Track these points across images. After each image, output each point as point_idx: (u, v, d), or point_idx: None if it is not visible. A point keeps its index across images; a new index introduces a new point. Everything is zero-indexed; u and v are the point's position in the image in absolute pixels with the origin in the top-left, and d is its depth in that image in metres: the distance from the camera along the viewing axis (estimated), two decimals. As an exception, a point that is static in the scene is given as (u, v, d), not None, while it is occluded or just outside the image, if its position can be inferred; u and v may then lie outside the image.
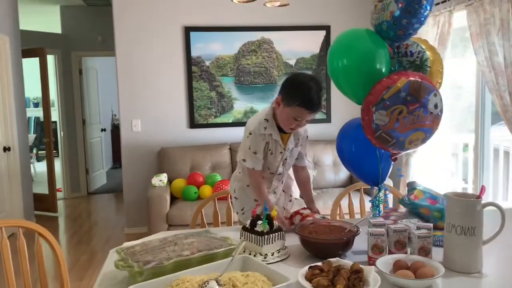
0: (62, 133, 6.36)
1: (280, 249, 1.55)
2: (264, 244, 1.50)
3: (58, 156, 6.48)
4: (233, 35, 4.71)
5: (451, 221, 1.40)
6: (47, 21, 6.35)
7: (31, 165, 7.85)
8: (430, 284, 1.30)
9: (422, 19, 1.70)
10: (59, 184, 6.48)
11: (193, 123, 4.69)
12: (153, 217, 3.83)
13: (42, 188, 5.77)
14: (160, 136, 4.64)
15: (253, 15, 4.63)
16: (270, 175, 2.03)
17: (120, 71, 4.50)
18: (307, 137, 2.08)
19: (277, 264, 1.50)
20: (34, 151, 8.15)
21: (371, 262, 1.45)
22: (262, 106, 4.77)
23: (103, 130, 7.30)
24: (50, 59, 6.06)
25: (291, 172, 2.15)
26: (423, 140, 1.72)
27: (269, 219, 1.53)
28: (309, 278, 1.29)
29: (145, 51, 4.52)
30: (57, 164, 6.50)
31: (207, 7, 4.59)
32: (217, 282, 1.19)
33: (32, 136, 8.03)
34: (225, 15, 4.63)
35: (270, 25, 4.73)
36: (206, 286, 1.17)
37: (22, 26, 5.12)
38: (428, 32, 3.74)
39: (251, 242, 1.53)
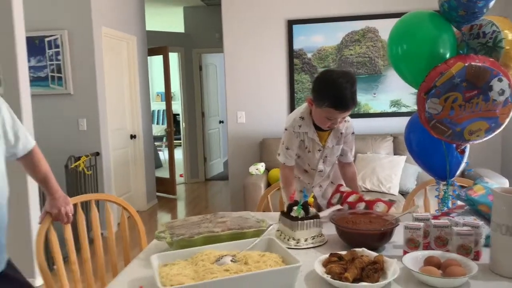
0: (184, 124, 7.00)
1: (315, 236, 1.55)
2: (297, 230, 1.52)
3: (180, 145, 7.16)
4: (336, 25, 4.65)
5: (497, 220, 1.25)
6: (171, 21, 7.02)
7: (161, 152, 8.81)
8: (459, 285, 1.19)
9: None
10: (181, 170, 7.17)
11: (293, 115, 4.76)
12: (248, 203, 4.03)
13: (168, 173, 6.44)
14: (263, 127, 4.83)
15: (357, 4, 4.52)
16: (312, 171, 2.02)
17: (227, 65, 4.80)
18: (353, 133, 2.01)
19: (310, 250, 1.51)
20: (164, 140, 9.09)
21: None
22: (365, 98, 4.64)
23: (221, 122, 7.81)
24: (174, 56, 6.71)
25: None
26: (488, 131, 1.54)
27: (305, 206, 1.55)
28: (325, 264, 1.29)
29: (249, 45, 4.73)
30: (180, 152, 7.20)
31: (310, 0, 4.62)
32: (232, 258, 1.27)
33: (162, 127, 8.96)
34: (328, 6, 4.60)
35: (375, 13, 4.56)
36: (220, 259, 1.26)
37: (148, 27, 5.76)
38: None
39: (286, 226, 1.57)
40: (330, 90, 1.73)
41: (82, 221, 1.88)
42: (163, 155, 8.81)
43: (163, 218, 5.25)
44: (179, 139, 7.38)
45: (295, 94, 4.76)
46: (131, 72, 5.20)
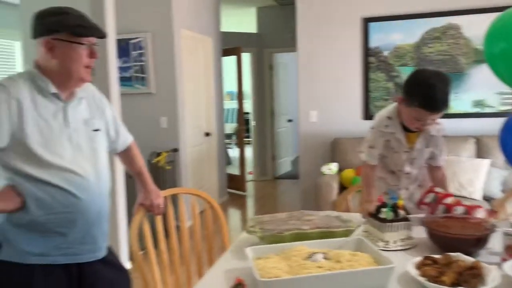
0: (253, 122, 7.12)
1: (404, 238, 1.53)
2: (386, 231, 1.51)
3: (250, 143, 7.30)
4: (415, 22, 4.50)
5: None
6: (244, 22, 7.16)
7: (231, 150, 9.03)
8: None
9: None
10: (250, 167, 7.31)
11: (367, 115, 4.68)
12: (320, 203, 4.03)
13: (237, 170, 6.60)
14: (335, 126, 4.79)
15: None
16: (399, 173, 1.97)
17: (300, 64, 4.82)
18: (444, 136, 1.93)
19: (399, 252, 1.50)
20: (234, 137, 9.30)
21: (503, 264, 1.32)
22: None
23: (290, 121, 7.84)
24: (246, 56, 6.85)
25: None
26: None
27: (394, 208, 1.54)
28: (419, 267, 1.27)
29: (323, 44, 4.72)
30: (250, 150, 7.34)
31: (387, -4, 4.51)
32: (324, 256, 1.30)
33: (232, 125, 9.18)
34: (406, 2, 4.46)
35: (457, 9, 4.35)
36: (311, 256, 1.29)
37: (223, 28, 5.93)
38: None
39: (374, 227, 1.56)
40: (421, 89, 1.69)
41: (171, 213, 2.00)
42: (232, 152, 9.02)
43: (235, 213, 5.39)
44: (249, 137, 7.53)
45: (370, 93, 4.67)
46: (206, 72, 5.39)
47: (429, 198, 1.79)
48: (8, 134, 1.35)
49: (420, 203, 1.81)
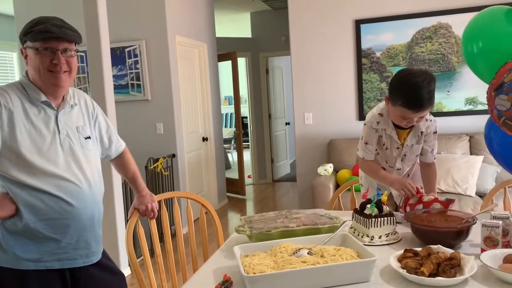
0: (251, 126, 7.17)
1: (389, 233, 1.58)
2: (371, 227, 1.55)
3: (249, 147, 7.35)
4: (406, 23, 4.55)
5: None
6: (238, 27, 7.23)
7: (230, 154, 9.07)
8: (542, 284, 1.17)
9: None
10: (250, 171, 7.35)
11: (362, 115, 4.73)
12: (317, 204, 4.07)
13: (237, 174, 6.64)
14: (330, 128, 4.83)
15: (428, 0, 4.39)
16: (390, 169, 2.01)
17: (294, 67, 4.87)
18: (435, 132, 1.96)
19: (384, 247, 1.54)
20: (232, 142, 9.35)
21: (483, 255, 1.36)
22: (439, 96, 4.49)
23: (287, 123, 7.89)
24: (242, 61, 6.91)
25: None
26: None
27: (378, 204, 1.58)
28: (400, 259, 1.32)
29: (316, 47, 4.77)
30: (248, 154, 7.38)
31: (377, -2, 4.57)
32: (308, 251, 1.34)
33: (230, 130, 9.22)
34: (397, 3, 4.52)
35: (447, 8, 4.40)
36: (297, 252, 1.34)
37: (218, 34, 5.99)
38: None
39: (360, 223, 1.61)
40: (404, 89, 1.73)
41: (166, 217, 2.04)
42: (232, 157, 9.07)
43: (234, 217, 5.43)
44: (247, 141, 7.57)
45: (364, 94, 4.72)
46: (202, 77, 5.45)
47: (413, 199, 1.82)
48: (0, 143, 1.40)
49: (405, 207, 1.84)
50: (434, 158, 2.02)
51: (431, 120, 1.94)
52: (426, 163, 2.03)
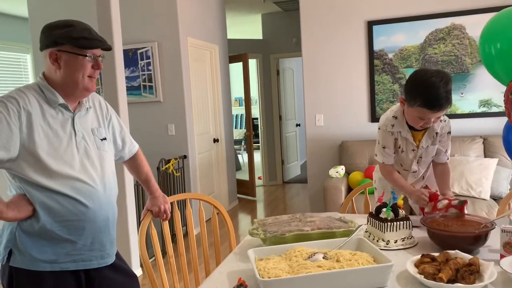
0: (262, 127, 7.17)
1: (405, 238, 1.56)
2: (386, 231, 1.54)
3: (259, 148, 7.34)
4: (418, 24, 4.52)
5: None
6: (249, 29, 7.23)
7: (240, 155, 9.08)
8: None
9: None
10: (260, 172, 7.34)
11: (374, 117, 4.70)
12: (328, 206, 4.05)
13: (247, 176, 6.65)
14: (342, 130, 4.81)
15: (442, 0, 4.35)
16: (405, 172, 1.99)
17: (305, 68, 4.85)
18: (449, 132, 1.94)
19: (399, 251, 1.52)
20: (243, 143, 9.35)
21: (502, 261, 1.34)
22: (452, 98, 4.44)
23: (298, 125, 7.87)
24: (253, 62, 6.91)
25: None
26: None
27: (394, 208, 1.56)
28: (417, 264, 1.30)
29: (328, 48, 4.75)
30: (259, 155, 7.37)
31: (390, -1, 4.54)
32: (324, 255, 1.33)
33: (240, 131, 9.23)
34: (410, 4, 4.48)
35: (461, 9, 4.36)
36: (312, 256, 1.33)
37: (229, 36, 5.99)
38: None
39: (375, 228, 1.59)
40: (422, 89, 1.71)
41: (178, 218, 2.05)
42: (242, 158, 9.07)
43: (245, 218, 5.42)
44: (257, 142, 7.57)
45: (376, 96, 4.68)
46: (214, 79, 5.46)
47: (427, 208, 1.81)
48: (19, 145, 1.41)
49: (421, 210, 1.84)
50: (447, 158, 2.01)
51: (445, 121, 1.92)
52: (440, 163, 2.01)
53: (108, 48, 1.53)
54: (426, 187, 2.06)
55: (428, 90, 1.69)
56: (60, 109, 1.50)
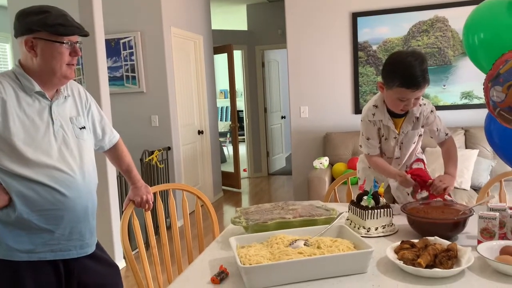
0: (247, 120, 7.15)
1: (386, 225, 1.57)
2: (367, 219, 1.55)
3: (244, 141, 7.33)
4: (402, 16, 4.54)
5: None
6: (234, 20, 7.18)
7: (225, 147, 9.06)
8: (539, 276, 1.16)
9: None
10: (245, 165, 7.34)
11: (357, 109, 4.72)
12: (312, 197, 4.07)
13: (232, 168, 6.64)
14: (326, 121, 4.83)
15: (425, -7, 4.38)
16: (388, 160, 2.00)
17: (290, 60, 4.85)
18: (432, 111, 1.94)
19: (380, 238, 1.53)
20: (228, 135, 9.33)
21: (480, 246, 1.36)
22: (435, 90, 4.49)
23: (283, 117, 7.87)
24: (238, 54, 6.87)
25: (420, 154, 2.07)
26: None
27: (375, 196, 1.57)
28: (397, 251, 1.31)
29: (312, 40, 4.75)
30: (244, 147, 7.36)
31: (374, -9, 4.54)
32: (305, 242, 1.34)
33: (225, 123, 9.20)
34: (394, -4, 4.50)
35: (444, 2, 4.39)
36: (293, 243, 1.33)
37: (213, 26, 5.94)
38: None
39: (356, 215, 1.60)
40: (399, 69, 1.73)
41: (161, 209, 2.03)
42: (227, 150, 9.05)
43: (229, 210, 5.42)
44: (243, 135, 7.56)
45: (360, 87, 4.71)
46: (198, 70, 5.41)
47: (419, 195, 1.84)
48: None
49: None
50: (446, 135, 1.99)
51: (424, 104, 1.92)
52: (443, 142, 2.00)
53: (86, 34, 1.50)
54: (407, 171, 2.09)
55: (405, 70, 1.71)
56: (36, 97, 1.47)
